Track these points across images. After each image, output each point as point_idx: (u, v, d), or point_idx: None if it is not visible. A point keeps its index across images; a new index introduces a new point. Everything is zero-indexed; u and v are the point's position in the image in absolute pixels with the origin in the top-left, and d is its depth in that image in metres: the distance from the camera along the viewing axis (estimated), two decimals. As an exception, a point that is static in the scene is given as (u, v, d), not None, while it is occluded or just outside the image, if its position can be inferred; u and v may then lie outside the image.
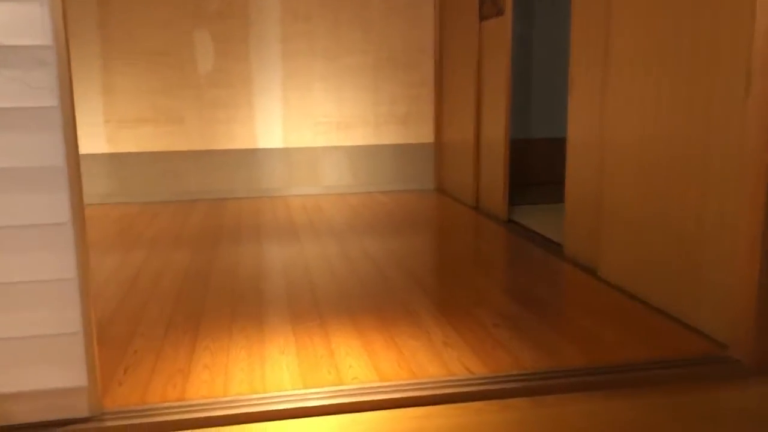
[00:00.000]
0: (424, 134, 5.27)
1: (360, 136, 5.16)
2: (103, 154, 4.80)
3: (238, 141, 4.99)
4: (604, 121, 2.82)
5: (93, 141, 4.76)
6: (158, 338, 2.24)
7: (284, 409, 1.72)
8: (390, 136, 5.21)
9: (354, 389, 1.81)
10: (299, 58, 4.98)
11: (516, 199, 4.64)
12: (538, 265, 3.12)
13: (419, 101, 5.21)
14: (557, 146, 4.11)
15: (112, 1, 4.65)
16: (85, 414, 1.67)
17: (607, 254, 2.78)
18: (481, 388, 1.80)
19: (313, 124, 5.08)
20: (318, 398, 1.77)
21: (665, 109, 2.38)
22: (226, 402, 1.75)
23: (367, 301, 2.59)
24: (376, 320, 2.37)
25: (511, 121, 4.05)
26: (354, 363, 2.00)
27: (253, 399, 1.77)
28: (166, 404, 1.75)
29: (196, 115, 4.88)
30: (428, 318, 2.38)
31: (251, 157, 5.02)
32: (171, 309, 2.54)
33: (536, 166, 5.43)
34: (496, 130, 4.17)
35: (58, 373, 1.65)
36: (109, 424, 1.67)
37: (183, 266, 3.16)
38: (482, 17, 4.26)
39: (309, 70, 5.02)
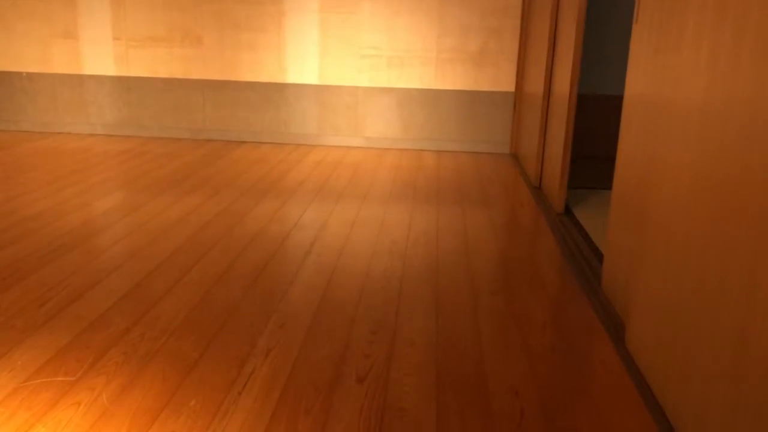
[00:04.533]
0: (504, 79, 4.00)
1: (416, 77, 4.01)
2: (110, 77, 4.11)
3: (264, 72, 4.06)
4: (663, 78, 1.52)
5: (100, 61, 4.08)
6: None
7: None
8: (456, 78, 4.00)
9: None
10: (344, -29, 3.90)
11: (583, 176, 3.34)
12: (559, 315, 1.92)
13: (500, 35, 3.93)
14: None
15: None
16: None
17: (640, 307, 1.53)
18: None
19: (356, 57, 4.01)
20: None
21: (746, 64, 1.08)
22: None
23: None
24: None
25: (583, 72, 2.73)
26: None
27: None
28: None
29: (216, 36, 4.01)
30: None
31: (278, 93, 4.08)
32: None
33: (613, 132, 3.97)
34: (564, 82, 2.86)
35: None
36: None
37: (183, 232, 2.35)
38: None
39: (356, -14, 3.92)
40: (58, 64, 4.08)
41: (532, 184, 3.33)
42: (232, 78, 4.06)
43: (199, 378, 1.43)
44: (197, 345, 1.58)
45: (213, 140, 4.14)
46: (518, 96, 3.99)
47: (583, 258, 2.24)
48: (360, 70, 4.01)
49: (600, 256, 2.22)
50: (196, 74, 4.07)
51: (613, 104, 3.94)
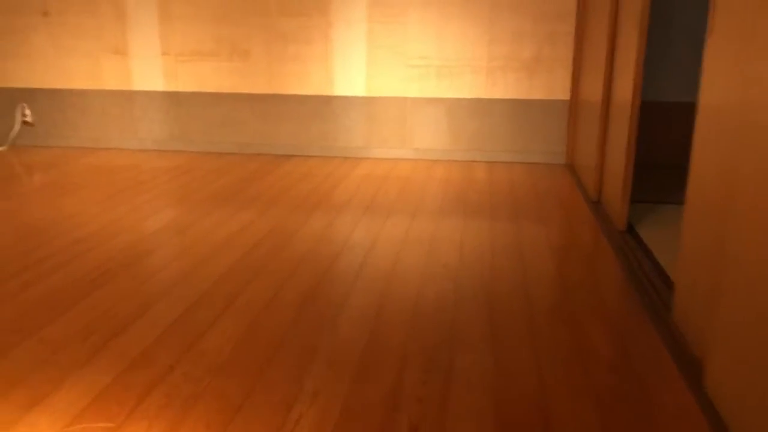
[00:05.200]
0: (558, 88, 3.84)
1: (466, 86, 3.90)
2: (159, 92, 4.11)
3: (311, 85, 4.00)
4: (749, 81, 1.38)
5: (149, 76, 4.09)
6: None
7: None
8: (508, 87, 3.87)
9: None
10: (391, -21, 3.81)
11: (645, 188, 3.17)
12: (626, 350, 1.78)
13: (554, 41, 3.78)
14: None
15: None
16: None
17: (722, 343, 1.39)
18: None
19: (404, 68, 3.91)
20: None
21: None
22: None
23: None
24: None
25: (646, 77, 2.57)
26: None
27: None
28: None
29: (263, 49, 3.97)
30: None
31: (326, 106, 4.02)
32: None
33: (674, 139, 3.76)
34: (625, 87, 2.70)
35: None
36: None
37: (234, 250, 2.32)
38: None
39: (403, -5, 3.83)
40: (108, 81, 4.11)
41: (591, 198, 3.17)
42: (279, 91, 4.02)
43: (244, 424, 1.36)
44: (242, 386, 1.50)
45: (261, 154, 4.10)
46: (574, 104, 3.83)
47: (650, 283, 2.09)
48: (408, 81, 3.92)
49: (669, 282, 2.07)
50: (243, 88, 4.04)
51: (676, 111, 3.74)
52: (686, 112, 3.72)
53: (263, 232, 2.63)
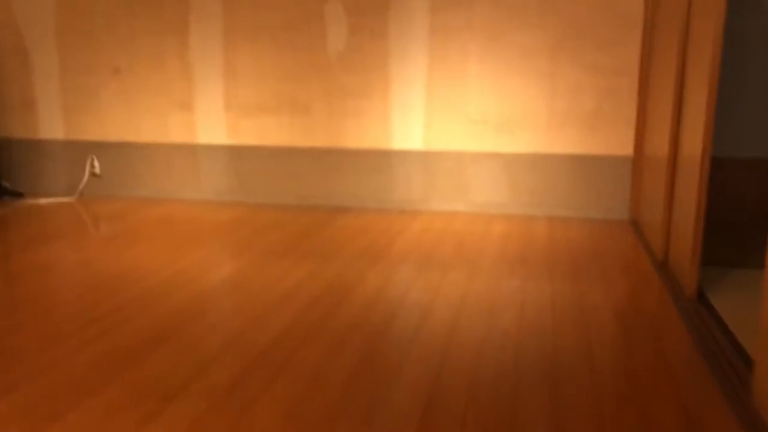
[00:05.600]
0: (620, 142, 3.75)
1: (525, 141, 3.85)
2: (222, 146, 4.21)
3: (370, 139, 4.02)
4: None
5: (212, 130, 4.20)
6: None
7: None
8: (569, 142, 3.80)
9: None
10: (451, 35, 3.83)
11: (717, 250, 3.03)
12: None
13: (616, 95, 3.71)
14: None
15: (236, -33, 3.99)
16: None
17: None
18: None
19: (463, 123, 3.90)
20: None
21: None
22: None
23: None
24: None
25: (716, 130, 2.47)
26: None
27: None
28: None
29: (323, 105, 4.03)
30: None
31: (384, 159, 4.03)
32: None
33: (748, 197, 3.58)
34: (694, 141, 2.60)
35: None
36: None
37: (295, 299, 2.34)
38: (694, -33, 2.69)
39: (463, 50, 3.83)
40: (174, 134, 4.24)
41: (657, 259, 3.05)
42: (338, 145, 4.06)
43: (293, 507, 1.31)
44: (293, 462, 1.46)
45: (318, 206, 4.13)
46: (637, 159, 3.73)
47: (726, 360, 1.96)
48: (466, 134, 3.90)
49: (747, 359, 1.94)
50: (303, 142, 4.10)
51: (750, 167, 3.60)
52: (761, 168, 3.57)
53: (319, 290, 2.61)
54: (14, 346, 2.09)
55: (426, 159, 3.97)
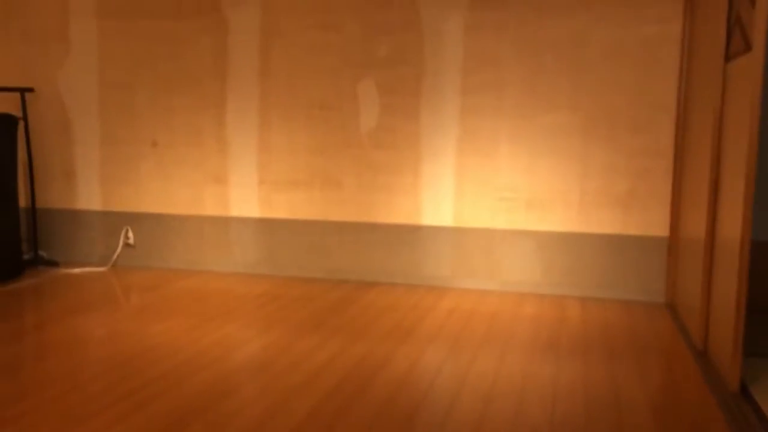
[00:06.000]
0: (655, 223, 3.69)
1: (558, 220, 3.81)
2: (254, 219, 4.25)
3: (400, 214, 4.03)
4: None
5: (245, 203, 4.25)
6: None
7: None
8: (602, 222, 3.75)
9: None
10: (482, 115, 3.86)
11: (760, 339, 2.91)
12: None
13: (650, 176, 3.67)
14: None
15: (273, 48, 4.11)
16: None
17: None
18: None
19: (494, 200, 3.88)
20: None
21: None
22: None
23: None
24: None
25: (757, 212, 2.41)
26: None
27: None
28: None
29: (355, 180, 4.06)
30: None
31: (413, 235, 4.02)
32: None
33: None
34: (732, 224, 2.54)
35: None
36: None
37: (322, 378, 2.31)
38: (728, 56, 2.69)
39: (494, 130, 3.85)
40: (208, 207, 4.30)
41: (695, 346, 2.94)
42: (368, 220, 4.07)
43: None
44: None
45: (347, 281, 4.11)
46: (673, 241, 3.65)
47: (771, 465, 1.85)
48: (497, 212, 3.88)
49: (794, 465, 1.83)
50: (333, 216, 4.12)
51: (788, 251, 3.49)
52: (800, 252, 3.46)
53: (345, 370, 2.56)
54: (39, 424, 2.07)
55: (456, 235, 3.95)
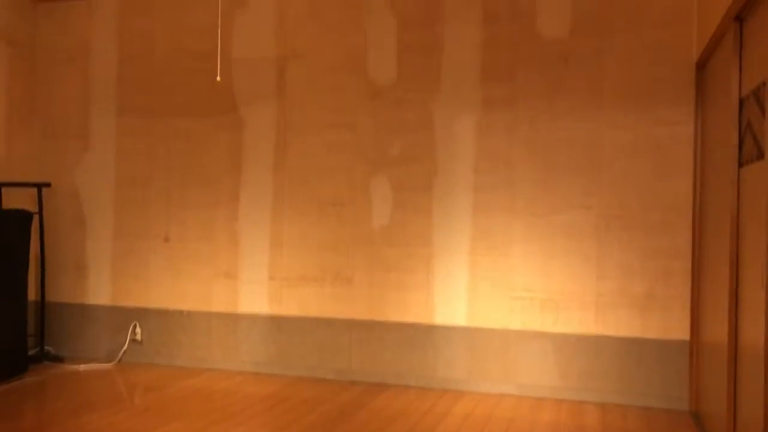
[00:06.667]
0: (675, 327, 3.58)
1: (574, 321, 3.71)
2: (263, 316, 4.18)
3: (411, 313, 3.95)
4: None
5: (255, 300, 4.20)
6: None
7: None
8: (620, 324, 3.65)
9: None
10: (494, 213, 3.84)
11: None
12: None
13: (669, 278, 3.59)
14: None
15: (288, 145, 4.17)
16: None
17: None
18: None
19: (508, 299, 3.80)
20: None
21: None
22: None
23: None
24: None
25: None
26: None
27: None
28: None
29: (366, 277, 4.01)
30: None
31: (426, 334, 3.92)
32: None
33: None
34: (755, 329, 2.44)
35: None
36: None
37: None
38: (741, 161, 2.67)
39: (507, 228, 3.82)
40: (217, 303, 4.25)
41: (724, 462, 2.77)
42: (379, 318, 3.99)
43: None
44: None
45: (357, 382, 3.98)
46: (695, 345, 3.53)
47: None
48: (511, 313, 3.79)
49: None
50: (344, 314, 4.04)
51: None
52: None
53: (352, 490, 2.43)
54: None
55: (470, 336, 3.85)
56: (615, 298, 3.65)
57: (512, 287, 3.80)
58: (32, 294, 4.44)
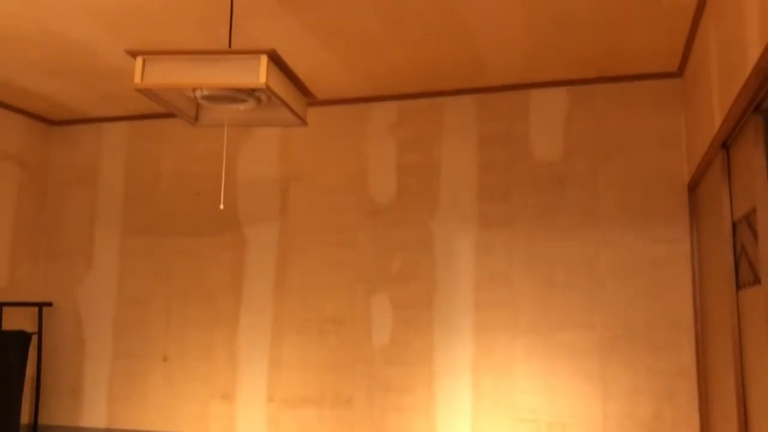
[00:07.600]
0: (686, 450, 3.47)
1: (581, 445, 3.60)
2: (261, 439, 4.07)
3: (414, 436, 3.84)
4: None
5: (252, 422, 4.09)
6: None
7: None
8: (629, 447, 3.54)
9: None
10: (497, 332, 3.81)
11: None
12: None
13: (675, 398, 3.51)
14: None
15: (289, 263, 4.20)
16: None
17: None
18: None
19: (513, 422, 3.70)
20: None
21: None
22: None
23: None
24: None
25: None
26: None
27: None
28: None
29: (366, 398, 3.93)
30: None
31: (429, 459, 3.79)
32: None
33: None
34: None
35: None
36: None
37: None
38: (738, 284, 2.69)
39: (509, 347, 3.78)
40: (213, 426, 4.14)
41: None
42: (381, 441, 3.87)
43: None
44: None
45: None
46: (707, 470, 3.40)
47: None
48: (517, 436, 3.68)
49: None
50: (344, 437, 3.93)
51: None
52: None
53: None
54: None
55: (474, 461, 3.72)
56: (622, 420, 3.56)
57: (517, 408, 3.71)
58: (25, 417, 4.33)
